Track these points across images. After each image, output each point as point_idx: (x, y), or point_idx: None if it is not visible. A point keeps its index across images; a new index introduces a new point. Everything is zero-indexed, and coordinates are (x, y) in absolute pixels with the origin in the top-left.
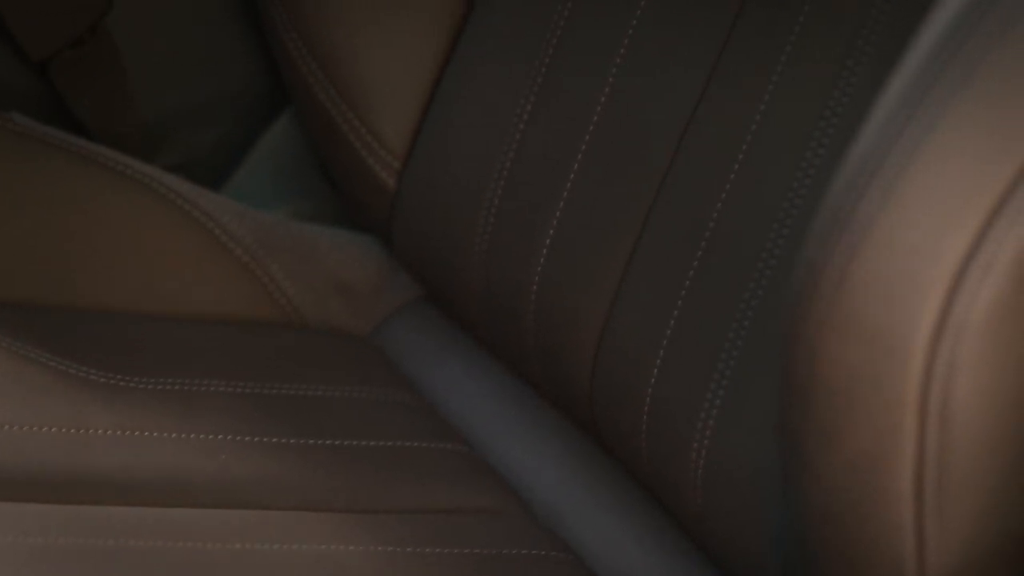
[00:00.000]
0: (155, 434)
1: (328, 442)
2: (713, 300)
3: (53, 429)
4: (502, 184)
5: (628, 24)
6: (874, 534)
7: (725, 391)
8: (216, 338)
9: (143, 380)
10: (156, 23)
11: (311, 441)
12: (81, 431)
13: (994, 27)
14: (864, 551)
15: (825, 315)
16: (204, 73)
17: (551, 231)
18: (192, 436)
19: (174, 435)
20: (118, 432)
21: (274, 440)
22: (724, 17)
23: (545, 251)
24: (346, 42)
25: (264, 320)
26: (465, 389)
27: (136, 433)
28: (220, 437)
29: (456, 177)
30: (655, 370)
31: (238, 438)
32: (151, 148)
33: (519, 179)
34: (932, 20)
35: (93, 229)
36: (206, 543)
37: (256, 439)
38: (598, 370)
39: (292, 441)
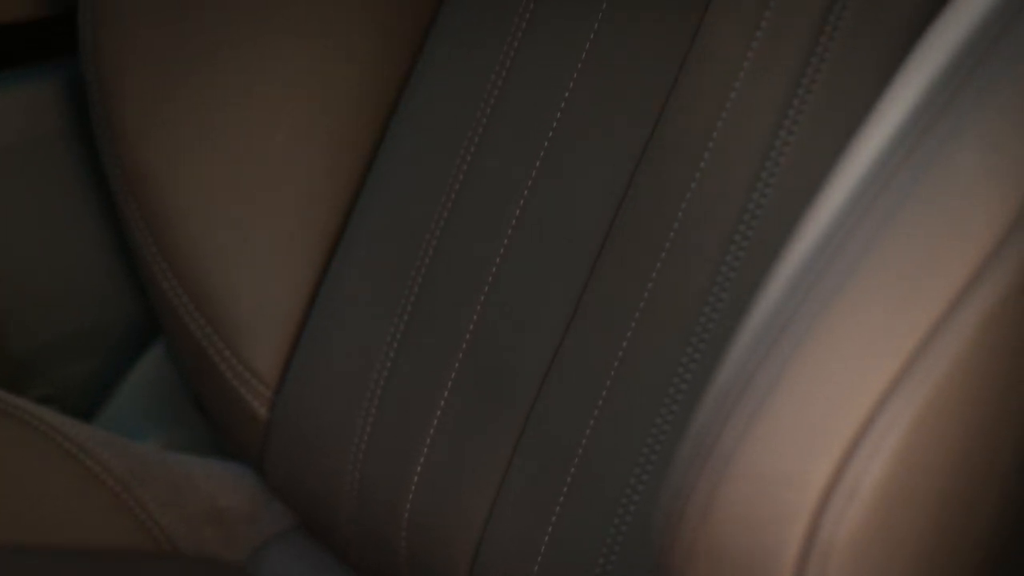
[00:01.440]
0: None
1: None
2: (583, 522)
3: None
4: (373, 411)
5: (495, 254)
6: None
7: None
8: (89, 570)
9: None
10: (26, 255)
11: None
12: None
13: (849, 260)
14: None
15: (692, 544)
16: (76, 305)
17: (422, 457)
18: None
19: None
20: None
21: None
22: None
23: (416, 477)
24: (216, 273)
25: (138, 550)
26: None
27: None
28: None
29: (327, 405)
30: None
31: None
32: (22, 381)
33: (390, 406)
34: (792, 249)
35: None
36: None
37: None
38: None
39: None
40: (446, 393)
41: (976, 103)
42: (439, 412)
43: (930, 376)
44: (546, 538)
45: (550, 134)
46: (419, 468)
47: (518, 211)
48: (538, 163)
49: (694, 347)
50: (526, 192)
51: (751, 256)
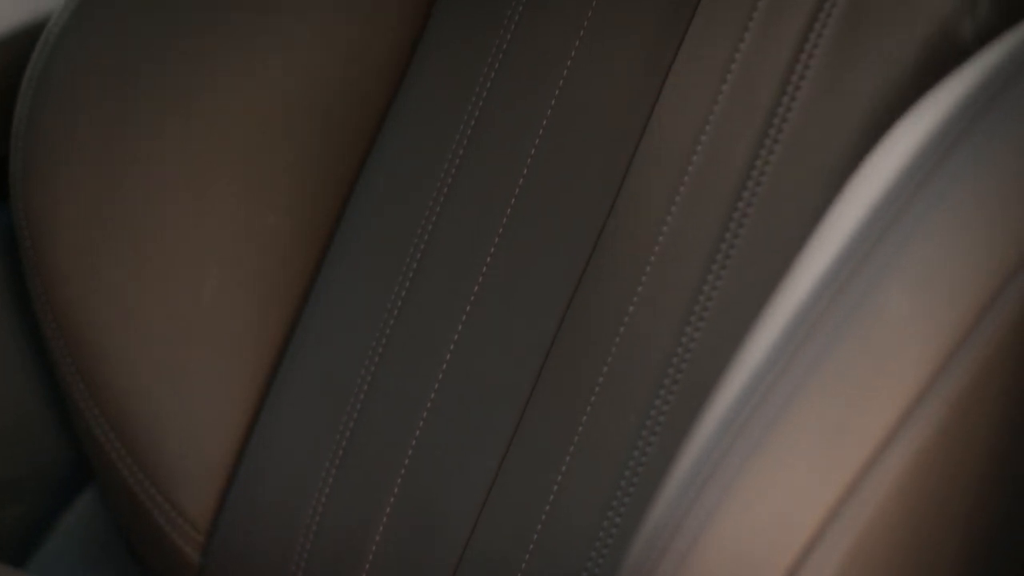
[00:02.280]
0: None
1: None
2: None
3: None
4: (305, 555)
5: (426, 399)
6: None
7: None
8: None
9: None
10: None
11: None
12: None
13: (777, 405)
14: None
15: None
16: (9, 449)
17: None
18: None
19: None
20: None
21: None
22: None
23: None
24: (146, 416)
25: None
26: None
27: None
28: None
29: (260, 550)
30: None
31: None
32: None
33: (323, 549)
34: (721, 393)
35: None
36: None
37: None
38: None
39: None
40: (378, 536)
41: (902, 245)
42: (374, 548)
43: (858, 519)
44: None
45: (484, 269)
46: None
47: (449, 355)
48: (473, 298)
49: (623, 490)
50: (455, 340)
51: (680, 399)
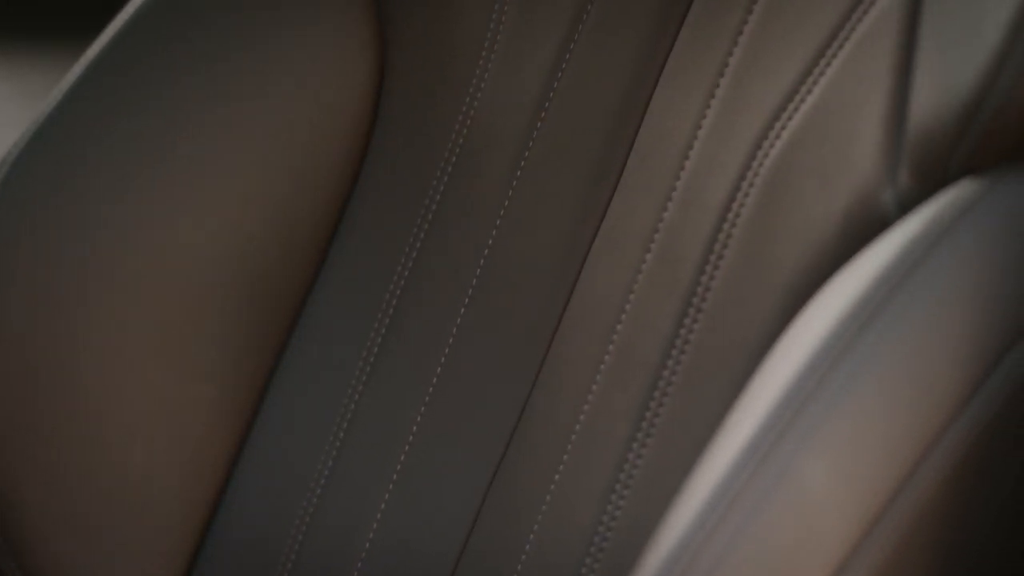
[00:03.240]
0: None
1: None
2: None
3: None
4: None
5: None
6: None
7: None
8: None
9: None
10: None
11: None
12: None
13: (704, 566)
14: None
15: None
16: None
17: None
18: None
19: None
20: None
21: None
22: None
23: None
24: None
25: None
26: None
27: None
28: None
29: None
30: None
31: None
32: None
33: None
34: (644, 567)
35: None
36: None
37: None
38: None
39: None
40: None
41: (823, 415)
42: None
43: None
44: None
45: (414, 430)
46: None
47: (382, 508)
48: (403, 458)
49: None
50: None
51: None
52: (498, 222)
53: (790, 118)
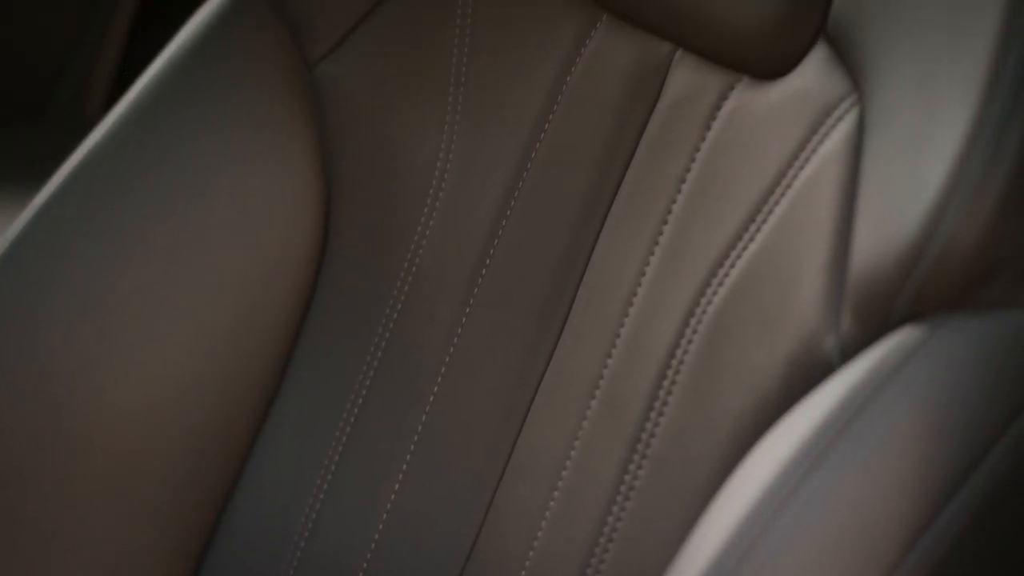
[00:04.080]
0: None
1: None
2: None
3: None
4: None
5: None
6: None
7: None
8: None
9: None
10: None
11: None
12: None
13: None
14: None
15: None
16: None
17: None
18: None
19: None
20: None
21: None
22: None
23: None
24: None
25: None
26: None
27: None
28: None
29: None
30: None
31: None
32: None
33: None
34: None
35: None
36: None
37: None
38: None
39: None
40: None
41: (764, 565)
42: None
43: None
44: None
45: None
46: None
47: None
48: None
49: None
50: None
51: None
52: (443, 369)
53: (733, 265)
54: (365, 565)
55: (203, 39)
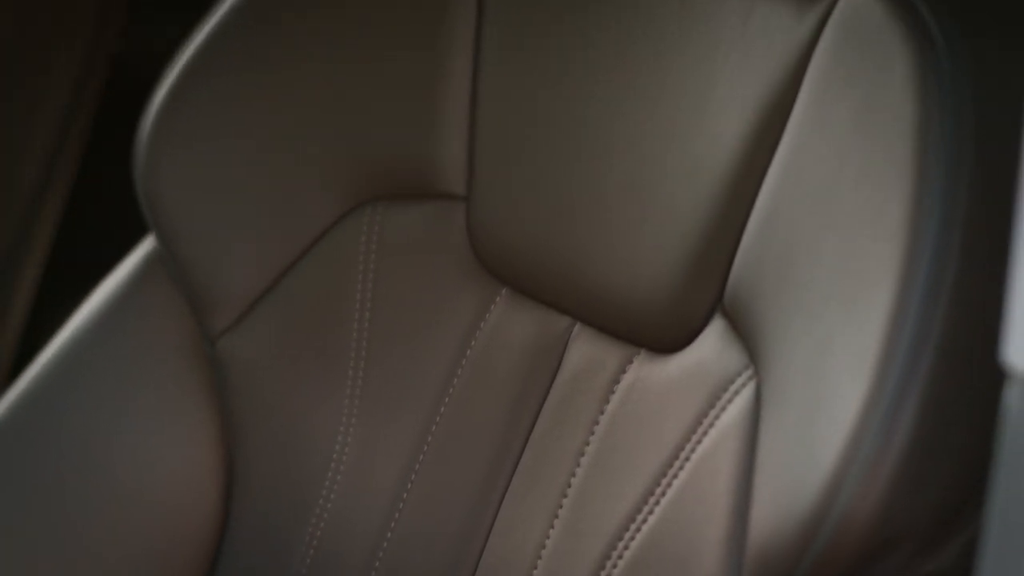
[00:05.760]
0: None
1: None
2: None
3: None
4: None
5: None
6: None
7: None
8: None
9: None
10: None
11: None
12: None
13: None
14: None
15: None
16: None
17: None
18: None
19: None
20: None
21: None
22: None
23: None
24: None
25: None
26: None
27: None
28: None
29: None
30: None
31: None
32: None
33: None
34: None
35: None
36: None
37: None
38: None
39: None
40: None
41: None
42: None
43: None
44: None
45: None
46: None
47: None
48: None
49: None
50: None
51: None
52: None
53: (632, 538)
54: None
55: (105, 315)
